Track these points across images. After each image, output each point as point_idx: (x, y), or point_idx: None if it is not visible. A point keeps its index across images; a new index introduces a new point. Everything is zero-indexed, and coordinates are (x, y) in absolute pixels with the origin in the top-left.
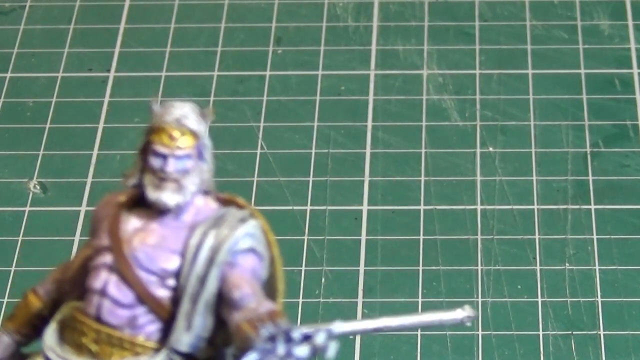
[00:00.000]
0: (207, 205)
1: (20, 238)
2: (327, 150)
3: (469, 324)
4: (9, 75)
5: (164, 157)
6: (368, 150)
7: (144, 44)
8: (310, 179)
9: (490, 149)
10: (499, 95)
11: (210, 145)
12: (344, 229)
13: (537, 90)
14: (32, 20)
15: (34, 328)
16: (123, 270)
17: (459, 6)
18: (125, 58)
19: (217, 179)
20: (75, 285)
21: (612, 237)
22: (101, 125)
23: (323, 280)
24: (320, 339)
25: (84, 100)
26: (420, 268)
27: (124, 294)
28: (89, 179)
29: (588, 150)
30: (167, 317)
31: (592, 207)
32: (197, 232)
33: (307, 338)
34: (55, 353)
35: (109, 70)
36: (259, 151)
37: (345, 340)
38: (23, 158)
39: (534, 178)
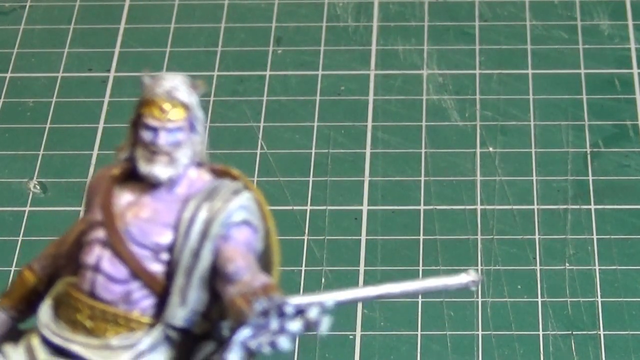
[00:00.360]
0: (201, 178)
1: (20, 238)
2: (327, 150)
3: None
4: (9, 75)
5: (155, 130)
6: (368, 150)
7: (144, 44)
8: (310, 179)
9: (490, 149)
10: (499, 95)
11: (202, 117)
12: (344, 229)
13: (537, 90)
14: (32, 20)
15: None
16: (116, 245)
17: (459, 6)
18: (125, 58)
19: None
20: (70, 260)
21: (612, 237)
22: (101, 125)
23: (323, 280)
24: (313, 313)
25: (84, 100)
26: (420, 268)
27: (118, 269)
28: (89, 179)
29: (588, 150)
30: (162, 292)
31: (592, 207)
32: (190, 206)
33: (300, 312)
34: (50, 330)
35: (109, 70)
36: (259, 151)
37: (345, 340)
38: (23, 158)
39: (534, 178)
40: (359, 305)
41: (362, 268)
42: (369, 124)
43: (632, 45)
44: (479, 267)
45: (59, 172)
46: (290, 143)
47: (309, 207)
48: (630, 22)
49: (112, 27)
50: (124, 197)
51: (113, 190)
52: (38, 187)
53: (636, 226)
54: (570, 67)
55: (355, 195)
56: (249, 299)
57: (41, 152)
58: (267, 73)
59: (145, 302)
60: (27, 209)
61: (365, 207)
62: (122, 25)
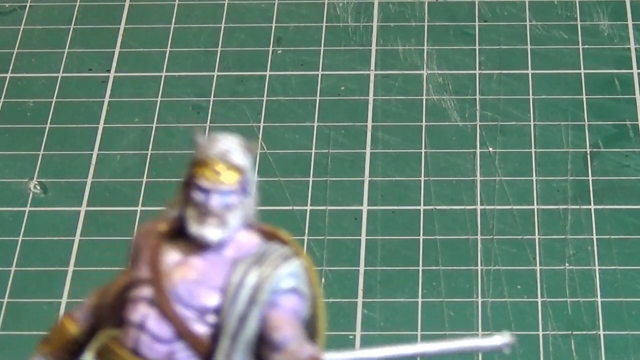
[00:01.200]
0: (250, 240)
1: (20, 238)
2: (327, 150)
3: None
4: (9, 75)
5: (207, 192)
6: (368, 150)
7: (144, 44)
8: (310, 179)
9: (490, 149)
10: (499, 95)
11: (255, 180)
12: (344, 229)
13: (537, 90)
14: (32, 20)
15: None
16: (162, 305)
17: (459, 6)
18: (125, 58)
19: None
20: (112, 312)
21: (612, 237)
22: (101, 125)
23: (323, 280)
24: None
25: (84, 100)
26: (420, 268)
27: (163, 329)
28: (89, 179)
29: (588, 150)
30: (206, 354)
31: (592, 207)
32: (239, 270)
33: None
34: None
35: (109, 70)
36: (259, 151)
37: (345, 339)
38: (23, 158)
39: (534, 178)
40: (359, 305)
41: (362, 268)
42: (369, 124)
43: (632, 45)
44: (479, 267)
45: (59, 172)
46: (290, 143)
47: (309, 207)
48: (630, 22)
49: (112, 27)
50: (172, 256)
51: (161, 248)
52: (38, 187)
53: (636, 226)
54: (570, 67)
55: (355, 195)
56: None
57: (41, 152)
58: (267, 73)
59: None
60: (27, 209)
61: (365, 207)
62: (122, 25)
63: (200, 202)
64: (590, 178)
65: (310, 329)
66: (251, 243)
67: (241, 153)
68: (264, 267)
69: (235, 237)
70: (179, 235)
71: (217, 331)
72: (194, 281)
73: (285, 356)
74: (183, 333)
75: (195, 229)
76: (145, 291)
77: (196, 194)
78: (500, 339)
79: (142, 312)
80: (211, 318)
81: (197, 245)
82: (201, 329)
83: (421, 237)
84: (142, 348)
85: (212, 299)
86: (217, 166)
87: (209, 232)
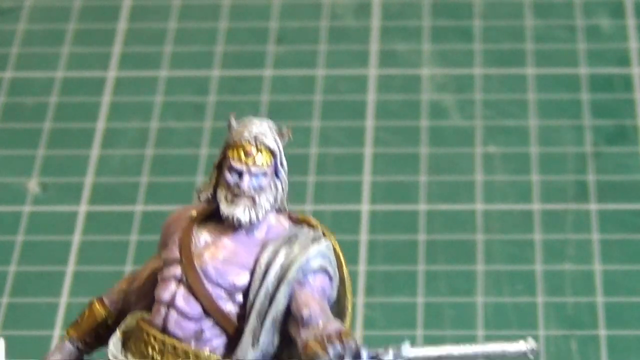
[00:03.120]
0: (280, 223)
1: (19, 238)
2: (327, 150)
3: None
4: (9, 75)
5: (239, 173)
6: (368, 150)
7: (144, 44)
8: (310, 179)
9: (490, 149)
10: (499, 95)
11: (286, 166)
12: (344, 229)
13: (537, 90)
14: (32, 20)
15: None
16: (192, 283)
17: (459, 6)
18: (125, 58)
19: None
20: (141, 296)
21: (612, 236)
22: (101, 125)
23: None
24: (388, 358)
25: (84, 100)
26: (420, 268)
27: (192, 307)
28: (89, 179)
29: (588, 150)
30: (233, 332)
31: (592, 207)
32: (269, 250)
33: (374, 358)
34: None
35: (109, 71)
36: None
37: None
38: (22, 158)
39: (534, 178)
40: (359, 305)
41: (362, 268)
42: (369, 124)
43: (632, 45)
44: (479, 267)
45: (59, 172)
46: (291, 143)
47: (309, 207)
48: (630, 22)
49: (112, 27)
50: (203, 237)
51: (192, 230)
52: (38, 187)
53: (636, 226)
54: (570, 67)
55: (355, 195)
56: (324, 343)
57: (41, 152)
58: (267, 72)
59: (216, 341)
60: (27, 208)
61: (365, 207)
62: (122, 25)
63: (232, 184)
64: (590, 178)
65: (337, 309)
66: (281, 226)
67: (273, 137)
68: (293, 247)
69: (266, 219)
70: (211, 219)
71: (245, 310)
72: (224, 260)
73: (314, 331)
74: (211, 310)
75: (227, 209)
76: (176, 270)
77: (229, 175)
78: (524, 345)
79: (172, 290)
80: (239, 297)
81: (229, 227)
82: (230, 307)
83: (421, 237)
84: (171, 325)
85: (241, 278)
86: (249, 148)
87: (240, 212)
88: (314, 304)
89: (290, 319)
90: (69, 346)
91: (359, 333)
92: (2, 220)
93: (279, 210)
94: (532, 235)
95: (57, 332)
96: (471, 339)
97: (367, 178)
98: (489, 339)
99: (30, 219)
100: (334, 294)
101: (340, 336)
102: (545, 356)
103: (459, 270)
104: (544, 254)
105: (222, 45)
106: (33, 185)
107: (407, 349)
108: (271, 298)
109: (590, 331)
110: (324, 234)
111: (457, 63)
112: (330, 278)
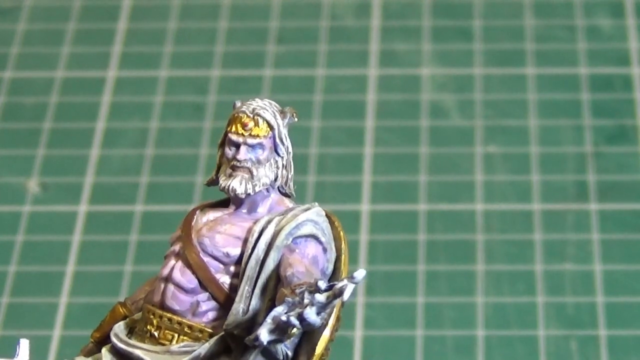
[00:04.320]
0: (282, 202)
1: (19, 238)
2: (327, 150)
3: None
4: (9, 75)
5: (237, 145)
6: (368, 150)
7: (144, 44)
8: (310, 179)
9: (490, 149)
10: (499, 95)
11: (290, 147)
12: (344, 228)
13: (537, 90)
14: (32, 20)
15: None
16: (188, 255)
17: (459, 6)
18: (125, 58)
19: None
20: None
21: (612, 236)
22: (101, 125)
23: None
24: (340, 284)
25: (84, 100)
26: (420, 268)
27: (188, 279)
28: (89, 179)
29: (588, 150)
30: (228, 305)
31: (592, 207)
32: (262, 220)
33: (331, 287)
34: (119, 338)
35: (109, 70)
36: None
37: (345, 340)
38: (22, 157)
39: (534, 178)
40: (359, 305)
41: (362, 268)
42: (369, 123)
43: (632, 45)
44: (479, 267)
45: (59, 172)
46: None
47: None
48: (630, 22)
49: (112, 27)
50: (206, 217)
51: (195, 213)
52: (38, 187)
53: (636, 226)
54: (570, 67)
55: (355, 195)
56: (295, 289)
57: (41, 152)
58: (267, 72)
59: (211, 314)
60: (27, 208)
61: (365, 207)
62: (122, 25)
63: (231, 157)
64: (590, 178)
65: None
66: (284, 205)
67: (272, 112)
68: (285, 217)
69: (268, 197)
70: (217, 206)
71: (238, 281)
72: (220, 233)
73: (291, 286)
74: (206, 281)
75: (225, 182)
76: (176, 247)
77: (227, 150)
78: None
79: (170, 265)
80: (233, 268)
81: (231, 208)
82: (224, 278)
83: (421, 237)
84: (168, 300)
85: (235, 249)
86: (246, 120)
87: (237, 183)
88: (299, 266)
89: (279, 285)
90: (93, 349)
91: (359, 333)
92: (2, 220)
93: (286, 195)
94: (532, 235)
95: (57, 332)
96: (471, 339)
97: (367, 178)
98: (489, 339)
99: (30, 218)
100: (329, 266)
101: (312, 284)
102: (545, 356)
103: (459, 270)
104: (544, 254)
105: (222, 45)
106: (33, 185)
107: (360, 273)
108: (261, 263)
109: (590, 331)
110: (321, 209)
111: (457, 63)
112: (325, 249)
